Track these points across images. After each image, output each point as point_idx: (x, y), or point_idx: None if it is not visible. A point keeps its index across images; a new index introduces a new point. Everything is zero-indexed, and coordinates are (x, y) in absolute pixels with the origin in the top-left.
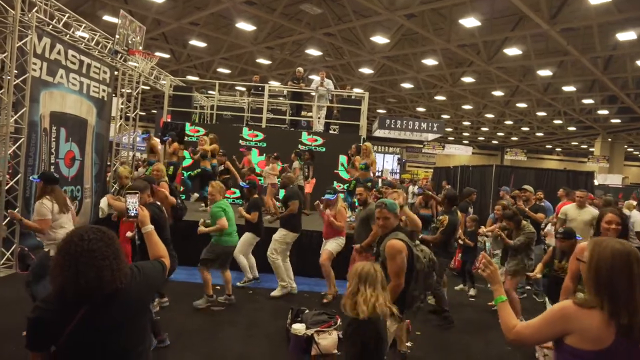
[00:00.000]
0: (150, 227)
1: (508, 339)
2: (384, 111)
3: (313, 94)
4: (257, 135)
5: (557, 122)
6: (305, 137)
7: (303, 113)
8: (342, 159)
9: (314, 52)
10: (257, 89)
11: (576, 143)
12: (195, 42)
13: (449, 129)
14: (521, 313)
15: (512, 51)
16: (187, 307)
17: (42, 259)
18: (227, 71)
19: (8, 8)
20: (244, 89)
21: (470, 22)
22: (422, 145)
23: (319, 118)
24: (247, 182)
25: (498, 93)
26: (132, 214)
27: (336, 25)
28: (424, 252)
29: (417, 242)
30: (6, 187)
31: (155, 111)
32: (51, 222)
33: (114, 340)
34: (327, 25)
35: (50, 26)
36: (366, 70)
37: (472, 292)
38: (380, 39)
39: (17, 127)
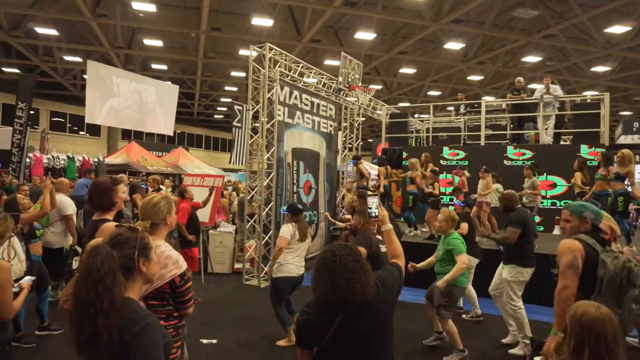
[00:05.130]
0: (389, 226)
1: None
2: (629, 113)
3: (538, 103)
4: (458, 154)
5: None
6: (511, 151)
7: (527, 125)
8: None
9: (531, 58)
10: (473, 106)
11: None
12: (404, 70)
13: None
14: None
15: None
16: None
17: None
18: (437, 93)
19: (259, 68)
20: (461, 109)
21: None
22: None
23: (546, 129)
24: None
25: None
26: (374, 214)
27: (557, 24)
28: (618, 259)
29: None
30: (264, 213)
31: (371, 140)
32: (287, 242)
33: (365, 346)
34: (546, 27)
35: (289, 77)
36: (601, 69)
37: None
38: (618, 29)
39: (269, 163)
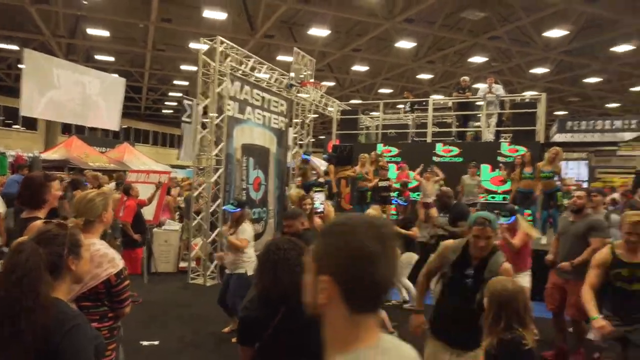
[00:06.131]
0: None
1: None
2: (564, 113)
3: (481, 102)
4: (391, 151)
5: None
6: (439, 148)
7: (470, 123)
8: (485, 168)
9: (478, 59)
10: (421, 104)
11: None
12: (357, 67)
13: None
14: None
15: None
16: None
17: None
18: (388, 91)
19: (210, 61)
20: (403, 106)
21: None
22: (616, 147)
23: (488, 127)
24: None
25: None
26: (319, 210)
27: (502, 26)
28: None
29: None
30: (210, 210)
31: (323, 137)
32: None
33: (307, 340)
34: (492, 29)
35: (240, 72)
36: (539, 70)
37: None
38: (556, 33)
39: (217, 159)
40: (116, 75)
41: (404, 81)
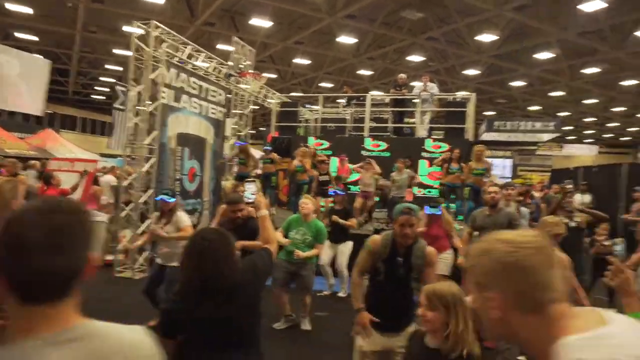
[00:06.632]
0: (265, 212)
1: None
2: (492, 113)
3: (416, 100)
4: (322, 144)
5: None
6: (368, 143)
7: (406, 119)
8: (422, 163)
9: (416, 58)
10: (359, 99)
11: None
12: (299, 60)
13: (568, 128)
14: None
15: None
16: None
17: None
18: (329, 85)
19: (144, 46)
20: (343, 100)
21: (592, 5)
22: (535, 147)
23: (422, 124)
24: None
25: (630, 82)
26: (250, 200)
27: (438, 28)
28: None
29: None
30: (141, 201)
31: (263, 129)
32: None
33: (230, 330)
34: (429, 29)
35: (176, 58)
36: (472, 72)
37: None
38: (487, 37)
39: (150, 148)
40: (40, 57)
41: (345, 76)
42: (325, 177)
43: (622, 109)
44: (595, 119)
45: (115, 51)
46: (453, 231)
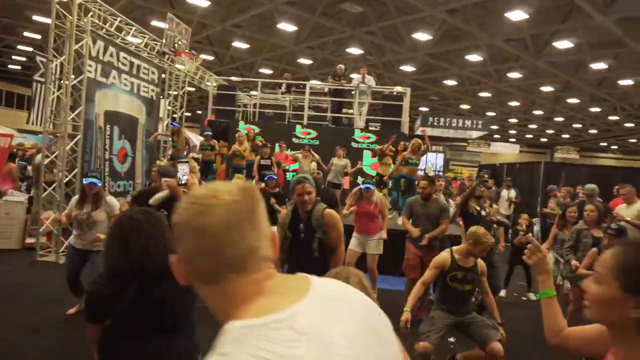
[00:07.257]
0: None
1: (551, 343)
2: (427, 109)
3: (354, 91)
4: (253, 129)
5: (613, 118)
6: (299, 130)
7: (345, 110)
8: (367, 154)
9: (355, 50)
10: (299, 87)
11: (634, 140)
12: (238, 44)
13: (495, 127)
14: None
15: (563, 44)
16: None
17: None
18: (269, 71)
19: (66, 14)
20: (283, 87)
21: (517, 15)
22: (466, 144)
23: (360, 115)
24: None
25: (547, 89)
26: (183, 181)
27: (377, 23)
28: None
29: None
30: (65, 181)
31: (200, 112)
32: None
33: (162, 315)
34: (368, 24)
35: (104, 30)
36: (408, 68)
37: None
38: (422, 36)
39: (75, 125)
40: None
41: (285, 63)
42: (267, 162)
43: (541, 112)
44: (518, 120)
45: (35, 17)
46: (386, 215)
